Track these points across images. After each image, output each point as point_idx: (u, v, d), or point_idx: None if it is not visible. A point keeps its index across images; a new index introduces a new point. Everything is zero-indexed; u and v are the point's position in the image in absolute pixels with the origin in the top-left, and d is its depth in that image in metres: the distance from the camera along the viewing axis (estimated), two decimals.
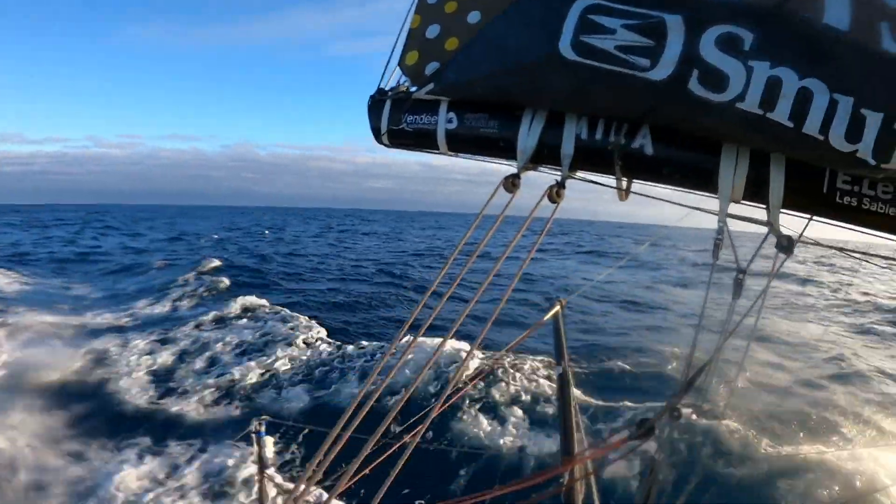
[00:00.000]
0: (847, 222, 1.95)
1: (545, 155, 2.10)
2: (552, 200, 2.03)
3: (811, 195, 1.89)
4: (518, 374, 13.58)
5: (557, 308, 3.03)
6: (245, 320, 20.51)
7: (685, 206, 2.04)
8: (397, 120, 2.47)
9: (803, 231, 1.98)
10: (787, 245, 1.84)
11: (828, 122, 1.55)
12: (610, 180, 2.08)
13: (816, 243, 1.99)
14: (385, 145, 2.56)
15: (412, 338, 2.02)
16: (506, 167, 2.21)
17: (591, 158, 2.06)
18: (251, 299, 23.08)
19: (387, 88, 2.53)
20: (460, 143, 2.32)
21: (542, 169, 2.15)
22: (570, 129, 2.04)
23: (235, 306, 22.17)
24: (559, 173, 2.07)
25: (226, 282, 27.87)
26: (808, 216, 1.94)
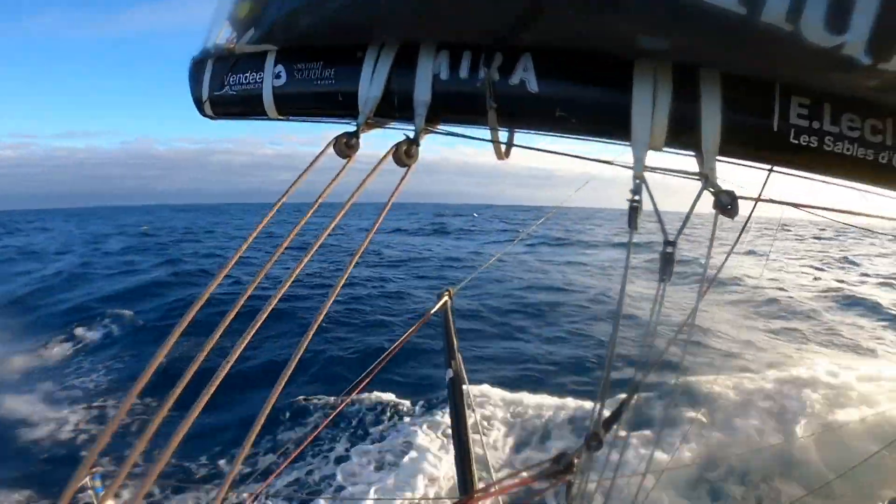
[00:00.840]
0: (805, 169, 1.45)
1: (396, 106, 1.53)
2: (400, 162, 1.44)
3: (758, 135, 1.38)
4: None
5: (445, 299, 2.44)
6: None
7: (586, 158, 1.49)
8: (219, 83, 1.86)
9: (763, 187, 1.46)
10: (728, 203, 1.31)
11: (799, 4, 1.02)
12: (483, 132, 1.51)
13: (770, 200, 1.48)
14: (209, 117, 1.94)
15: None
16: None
17: (455, 105, 1.49)
18: None
19: (210, 47, 1.92)
20: (292, 104, 1.72)
21: (394, 125, 1.57)
22: (426, 67, 1.46)
23: None
24: (413, 128, 1.49)
25: None
26: (753, 163, 1.43)
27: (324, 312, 1.32)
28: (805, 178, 1.44)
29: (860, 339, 15.20)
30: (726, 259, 1.32)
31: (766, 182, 1.51)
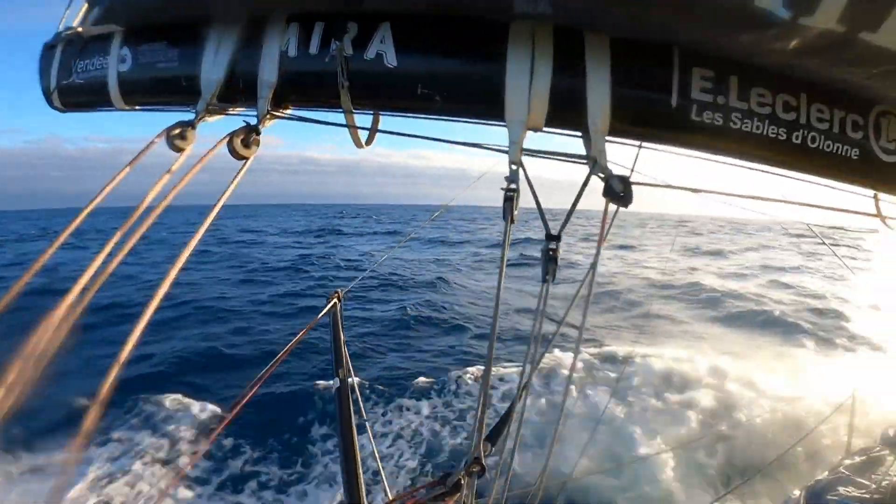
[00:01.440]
0: (708, 150, 1.26)
1: (241, 89, 1.30)
2: (236, 154, 1.20)
3: (654, 112, 1.19)
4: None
5: (334, 301, 2.20)
6: None
7: (450, 142, 1.28)
8: (67, 71, 1.61)
9: (633, 166, 1.26)
10: (621, 190, 1.11)
11: None
12: (338, 116, 1.29)
13: (668, 185, 1.28)
14: (58, 109, 1.69)
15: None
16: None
17: (304, 86, 1.27)
18: None
19: (62, 31, 1.67)
20: (137, 91, 1.48)
21: (240, 112, 1.34)
22: (273, 44, 1.24)
23: None
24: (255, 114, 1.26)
25: None
26: (647, 144, 1.24)
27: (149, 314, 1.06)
28: (707, 160, 1.26)
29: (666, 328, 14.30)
30: (597, 256, 1.11)
31: (635, 160, 1.32)
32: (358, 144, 1.34)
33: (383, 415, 8.67)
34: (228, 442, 7.66)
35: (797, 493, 3.28)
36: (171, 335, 12.77)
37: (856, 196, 1.80)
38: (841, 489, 2.99)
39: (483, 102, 1.18)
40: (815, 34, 0.94)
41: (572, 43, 1.16)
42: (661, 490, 5.88)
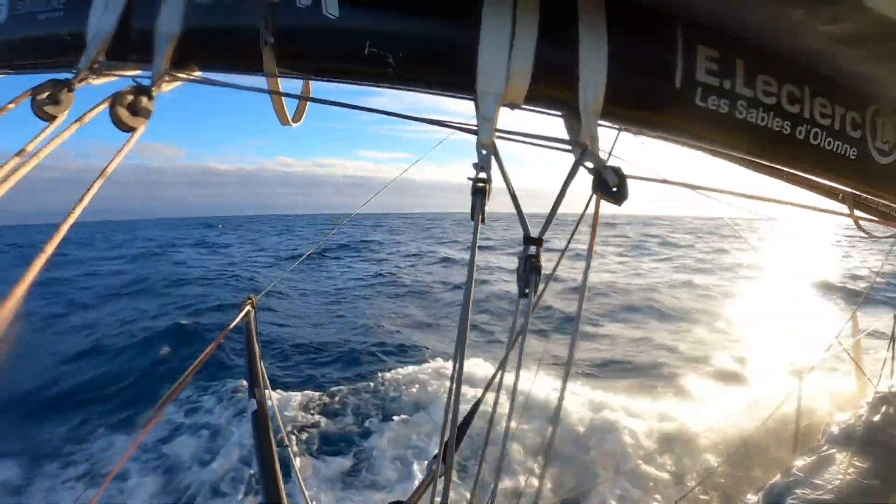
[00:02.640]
0: (708, 141, 1.09)
1: (136, 45, 1.00)
2: (121, 124, 0.91)
3: (656, 94, 1.00)
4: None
5: (248, 309, 1.92)
6: None
7: (406, 117, 1.04)
8: None
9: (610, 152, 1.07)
10: (615, 184, 0.90)
11: None
12: (258, 80, 1.02)
13: (665, 181, 1.10)
14: None
15: None
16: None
17: (216, 42, 1.00)
18: None
19: None
20: (10, 49, 1.15)
21: (134, 74, 1.04)
22: None
23: None
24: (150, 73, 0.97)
25: None
26: (642, 130, 1.04)
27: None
28: (701, 149, 1.08)
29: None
30: (588, 264, 0.90)
31: (613, 145, 1.13)
32: (283, 120, 1.07)
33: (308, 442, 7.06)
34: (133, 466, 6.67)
35: (753, 497, 3.27)
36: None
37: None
38: (798, 491, 3.01)
39: (449, 68, 0.95)
40: (870, 19, 0.78)
41: (561, 5, 0.94)
42: None
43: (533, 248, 0.88)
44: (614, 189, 0.90)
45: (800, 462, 3.35)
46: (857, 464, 3.12)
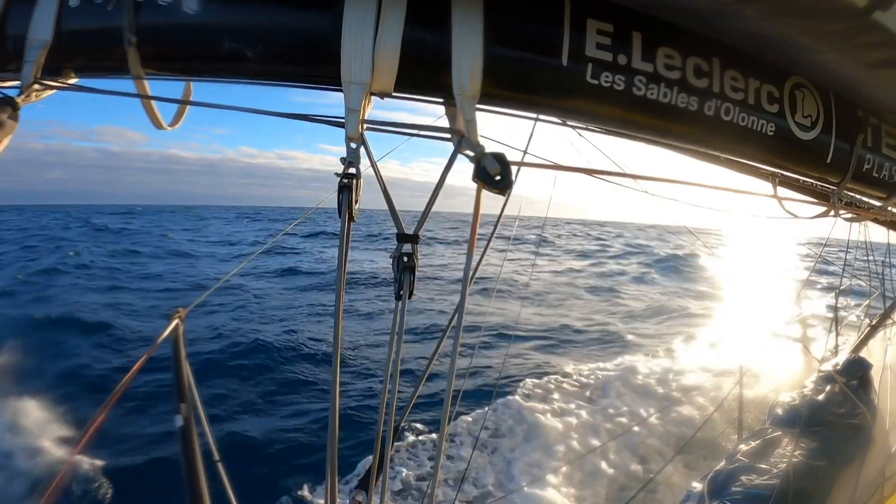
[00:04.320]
0: (603, 123, 1.03)
1: (10, 54, 0.92)
2: None
3: (539, 73, 0.93)
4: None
5: (176, 322, 1.82)
6: None
7: (273, 114, 0.96)
8: None
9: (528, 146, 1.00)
10: (497, 173, 0.83)
11: None
12: (124, 83, 0.94)
13: (557, 166, 1.03)
14: None
15: None
16: None
17: (88, 46, 0.92)
18: None
19: None
20: None
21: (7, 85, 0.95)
22: None
23: None
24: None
25: None
26: (528, 113, 0.98)
27: None
28: (604, 132, 1.02)
29: None
30: (468, 262, 0.83)
31: (530, 137, 1.07)
32: (156, 123, 0.99)
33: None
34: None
35: (698, 485, 3.16)
36: None
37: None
38: (743, 478, 2.95)
39: (312, 60, 0.87)
40: None
41: None
42: None
43: (408, 247, 0.81)
44: (497, 178, 0.84)
45: (744, 447, 3.28)
46: (803, 445, 3.09)
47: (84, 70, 0.95)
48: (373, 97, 0.88)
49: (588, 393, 8.13)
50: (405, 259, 0.80)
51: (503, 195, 0.84)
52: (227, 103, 0.97)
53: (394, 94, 0.87)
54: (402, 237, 0.81)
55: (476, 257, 1.06)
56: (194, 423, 1.55)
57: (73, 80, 0.96)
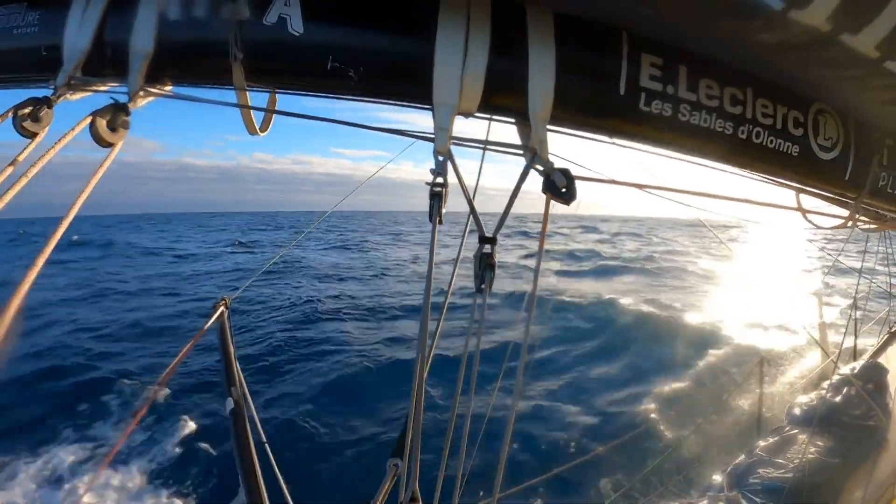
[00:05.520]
0: (654, 143, 1.17)
1: (111, 61, 1.06)
2: (101, 140, 0.96)
3: (601, 99, 1.08)
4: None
5: (221, 310, 1.94)
6: None
7: (368, 127, 1.11)
8: None
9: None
10: (563, 185, 0.97)
11: None
12: (226, 93, 1.08)
13: (612, 181, 1.18)
14: None
15: None
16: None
17: (188, 57, 1.05)
18: None
19: None
20: None
21: (109, 89, 1.09)
22: (149, 4, 1.01)
23: None
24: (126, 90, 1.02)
25: None
26: (590, 134, 1.12)
27: None
28: (651, 153, 1.16)
29: None
30: (538, 260, 0.97)
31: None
32: (252, 130, 1.13)
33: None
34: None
35: (718, 478, 3.36)
36: None
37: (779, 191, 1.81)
38: (761, 471, 3.11)
39: (407, 81, 1.01)
40: (799, 30, 0.87)
41: (512, 18, 1.01)
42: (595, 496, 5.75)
43: (488, 247, 0.95)
44: (563, 190, 0.98)
45: (762, 443, 3.45)
46: (818, 443, 3.22)
47: (181, 79, 1.09)
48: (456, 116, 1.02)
49: None
50: (486, 258, 0.94)
51: (567, 204, 0.98)
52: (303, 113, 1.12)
53: (476, 114, 1.01)
54: (483, 239, 0.95)
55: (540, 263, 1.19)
56: (244, 406, 1.67)
57: (168, 88, 1.10)
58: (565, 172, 0.98)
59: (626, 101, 1.07)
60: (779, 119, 1.34)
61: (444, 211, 0.96)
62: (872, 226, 1.85)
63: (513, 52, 1.01)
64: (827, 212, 1.66)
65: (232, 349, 1.82)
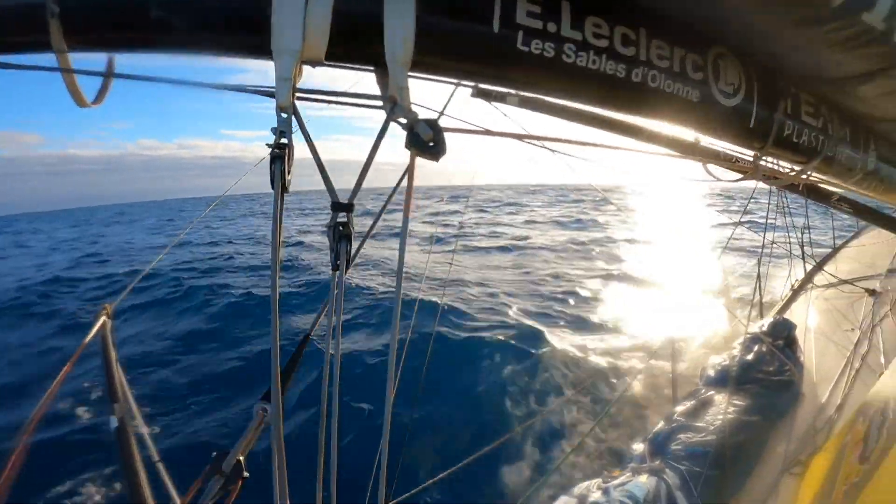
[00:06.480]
0: (536, 90, 1.07)
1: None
2: None
3: (471, 39, 0.96)
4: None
5: (103, 319, 1.76)
6: None
7: (202, 85, 0.95)
8: None
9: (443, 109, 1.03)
10: (430, 139, 0.85)
11: None
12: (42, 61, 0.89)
13: (487, 132, 1.07)
14: None
15: None
16: None
17: (4, 21, 0.86)
18: None
19: None
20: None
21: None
22: None
23: None
24: None
25: None
26: (460, 81, 1.00)
27: None
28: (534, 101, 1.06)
29: None
30: (404, 229, 0.85)
31: (448, 100, 1.10)
32: (79, 101, 0.94)
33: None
34: None
35: (640, 446, 3.31)
36: None
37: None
38: (682, 436, 3.10)
39: (242, 30, 0.86)
40: None
41: None
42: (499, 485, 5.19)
43: (343, 216, 0.82)
44: (430, 144, 0.86)
45: (680, 407, 3.47)
46: (736, 402, 3.30)
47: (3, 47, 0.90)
48: (303, 67, 0.88)
49: None
50: (340, 228, 0.82)
51: (436, 161, 0.87)
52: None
53: (325, 62, 0.87)
54: (337, 206, 0.82)
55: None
56: (129, 423, 1.48)
57: None
58: (431, 123, 0.86)
59: (502, 40, 0.96)
60: (676, 61, 1.26)
61: (289, 177, 0.82)
62: (776, 178, 1.84)
63: None
64: (727, 165, 1.62)
65: (115, 361, 1.60)
